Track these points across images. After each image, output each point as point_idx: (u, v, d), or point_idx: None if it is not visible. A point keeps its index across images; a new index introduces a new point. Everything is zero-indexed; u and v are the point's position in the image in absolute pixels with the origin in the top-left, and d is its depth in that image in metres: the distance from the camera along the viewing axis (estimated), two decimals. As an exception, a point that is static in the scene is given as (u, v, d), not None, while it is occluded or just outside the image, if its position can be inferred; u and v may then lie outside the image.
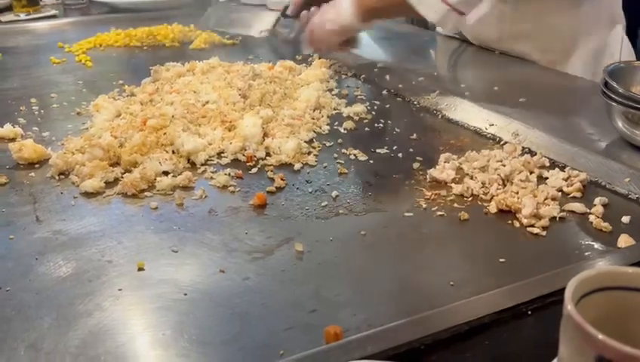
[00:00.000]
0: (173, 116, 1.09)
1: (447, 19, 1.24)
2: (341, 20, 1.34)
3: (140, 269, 0.72)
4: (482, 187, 0.89)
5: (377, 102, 1.26)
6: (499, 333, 0.57)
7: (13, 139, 1.08)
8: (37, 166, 0.99)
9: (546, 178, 0.92)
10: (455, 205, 0.86)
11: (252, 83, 1.24)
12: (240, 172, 0.96)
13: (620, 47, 1.42)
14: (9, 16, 2.00)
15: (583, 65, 1.39)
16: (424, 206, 0.86)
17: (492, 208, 0.84)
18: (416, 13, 1.25)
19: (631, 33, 1.50)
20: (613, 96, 0.93)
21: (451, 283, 0.69)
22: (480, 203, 0.87)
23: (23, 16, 2.00)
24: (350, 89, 1.34)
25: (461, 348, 0.55)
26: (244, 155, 1.02)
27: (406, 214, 0.84)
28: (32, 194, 0.91)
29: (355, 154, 1.02)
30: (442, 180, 0.92)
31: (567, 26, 1.37)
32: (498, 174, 0.91)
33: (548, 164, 0.96)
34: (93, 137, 1.04)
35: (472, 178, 0.92)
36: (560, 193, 0.87)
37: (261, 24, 1.72)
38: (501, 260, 0.74)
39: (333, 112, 1.21)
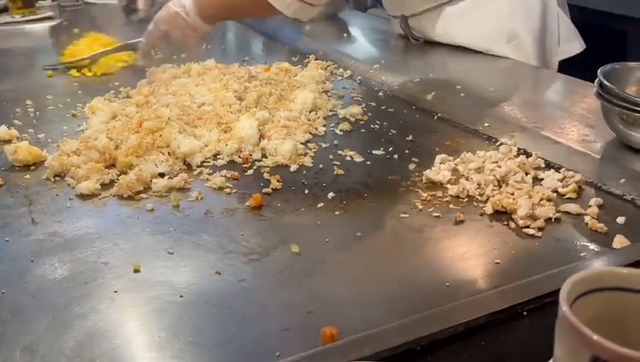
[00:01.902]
0: (169, 118, 1.09)
1: (303, 12, 1.27)
2: (198, 33, 1.37)
3: (136, 271, 0.72)
4: (478, 188, 0.89)
5: (373, 104, 1.27)
6: (495, 334, 0.57)
7: (8, 141, 1.08)
8: (32, 168, 0.99)
9: (542, 179, 0.92)
10: (451, 206, 0.86)
11: (248, 85, 1.24)
12: (236, 173, 0.96)
13: (556, 23, 1.44)
14: (5, 18, 2.00)
15: (531, 47, 1.41)
16: (420, 207, 0.86)
17: (488, 209, 0.84)
18: (264, 12, 1.32)
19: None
20: (609, 97, 0.93)
21: (447, 284, 0.69)
22: (476, 204, 0.87)
23: (18, 18, 2.00)
24: (346, 90, 1.35)
25: (457, 349, 0.55)
26: (240, 157, 1.02)
27: (402, 215, 0.84)
28: (27, 196, 0.91)
29: (351, 156, 1.02)
30: (438, 181, 0.92)
31: (502, 7, 1.40)
32: (494, 175, 0.91)
33: (543, 165, 0.96)
34: (89, 139, 1.03)
35: (467, 179, 0.92)
36: (555, 194, 0.87)
37: None
38: (497, 261, 0.74)
39: (329, 114, 1.21)
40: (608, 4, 2.19)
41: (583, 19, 1.53)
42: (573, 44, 1.48)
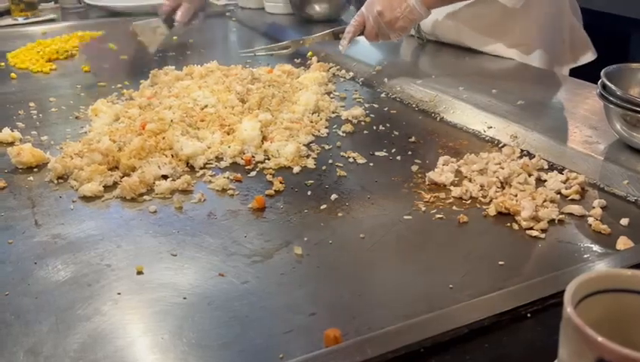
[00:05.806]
0: (171, 120, 1.09)
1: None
2: (413, 16, 1.33)
3: (139, 273, 0.72)
4: (481, 190, 0.89)
5: (376, 105, 1.27)
6: (498, 336, 0.57)
7: (11, 143, 1.08)
8: (35, 170, 0.99)
9: (545, 180, 0.92)
10: (454, 208, 0.86)
11: (251, 87, 1.24)
12: (239, 175, 0.96)
13: (568, 32, 1.46)
14: (7, 21, 2.00)
15: (539, 59, 1.43)
16: (423, 209, 0.86)
17: (491, 211, 0.84)
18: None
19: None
20: (611, 98, 0.93)
21: (450, 286, 0.69)
22: (479, 205, 0.87)
23: (21, 20, 2.01)
24: (349, 92, 1.35)
25: (460, 350, 0.55)
26: (242, 159, 1.02)
27: (405, 217, 0.84)
28: (30, 198, 0.91)
29: (353, 158, 1.02)
30: (441, 183, 0.92)
31: (523, 13, 1.41)
32: (497, 177, 0.91)
33: (546, 167, 0.96)
34: (92, 141, 1.04)
35: (470, 181, 0.92)
36: (559, 195, 0.87)
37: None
38: (500, 263, 0.74)
39: (332, 115, 1.21)
40: (611, 6, 2.19)
41: (585, 20, 1.53)
42: (585, 53, 1.49)
